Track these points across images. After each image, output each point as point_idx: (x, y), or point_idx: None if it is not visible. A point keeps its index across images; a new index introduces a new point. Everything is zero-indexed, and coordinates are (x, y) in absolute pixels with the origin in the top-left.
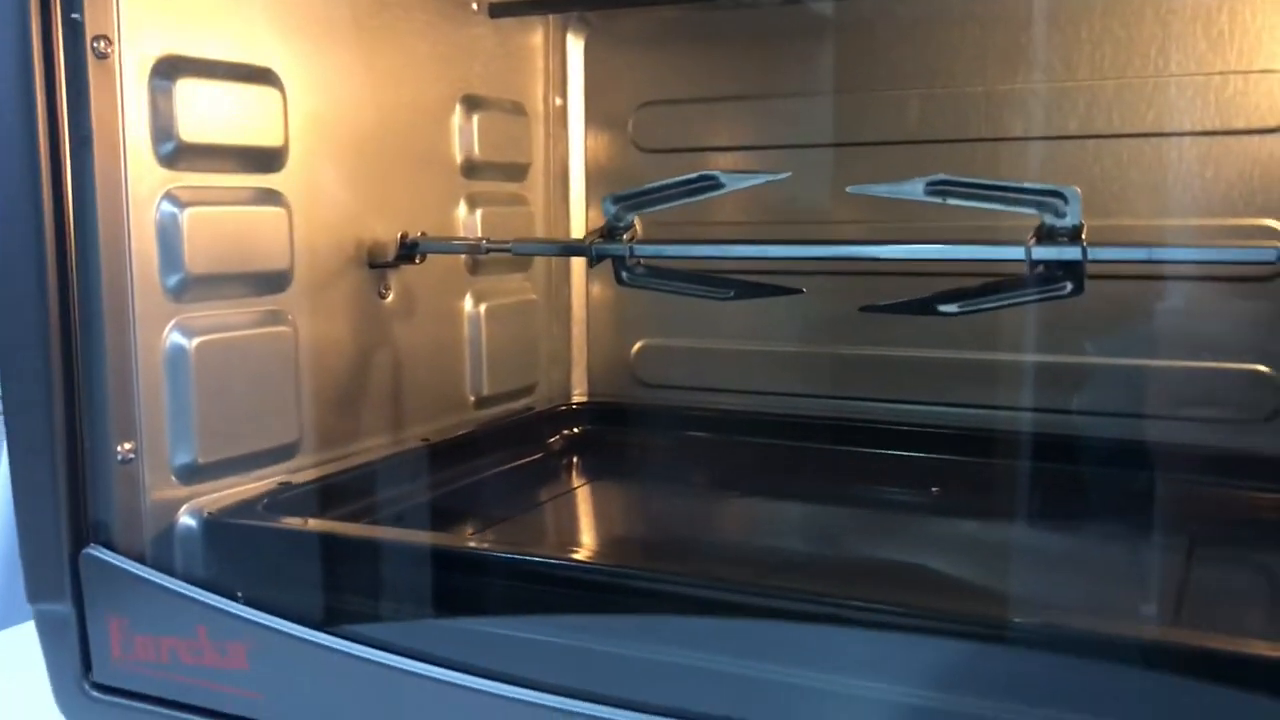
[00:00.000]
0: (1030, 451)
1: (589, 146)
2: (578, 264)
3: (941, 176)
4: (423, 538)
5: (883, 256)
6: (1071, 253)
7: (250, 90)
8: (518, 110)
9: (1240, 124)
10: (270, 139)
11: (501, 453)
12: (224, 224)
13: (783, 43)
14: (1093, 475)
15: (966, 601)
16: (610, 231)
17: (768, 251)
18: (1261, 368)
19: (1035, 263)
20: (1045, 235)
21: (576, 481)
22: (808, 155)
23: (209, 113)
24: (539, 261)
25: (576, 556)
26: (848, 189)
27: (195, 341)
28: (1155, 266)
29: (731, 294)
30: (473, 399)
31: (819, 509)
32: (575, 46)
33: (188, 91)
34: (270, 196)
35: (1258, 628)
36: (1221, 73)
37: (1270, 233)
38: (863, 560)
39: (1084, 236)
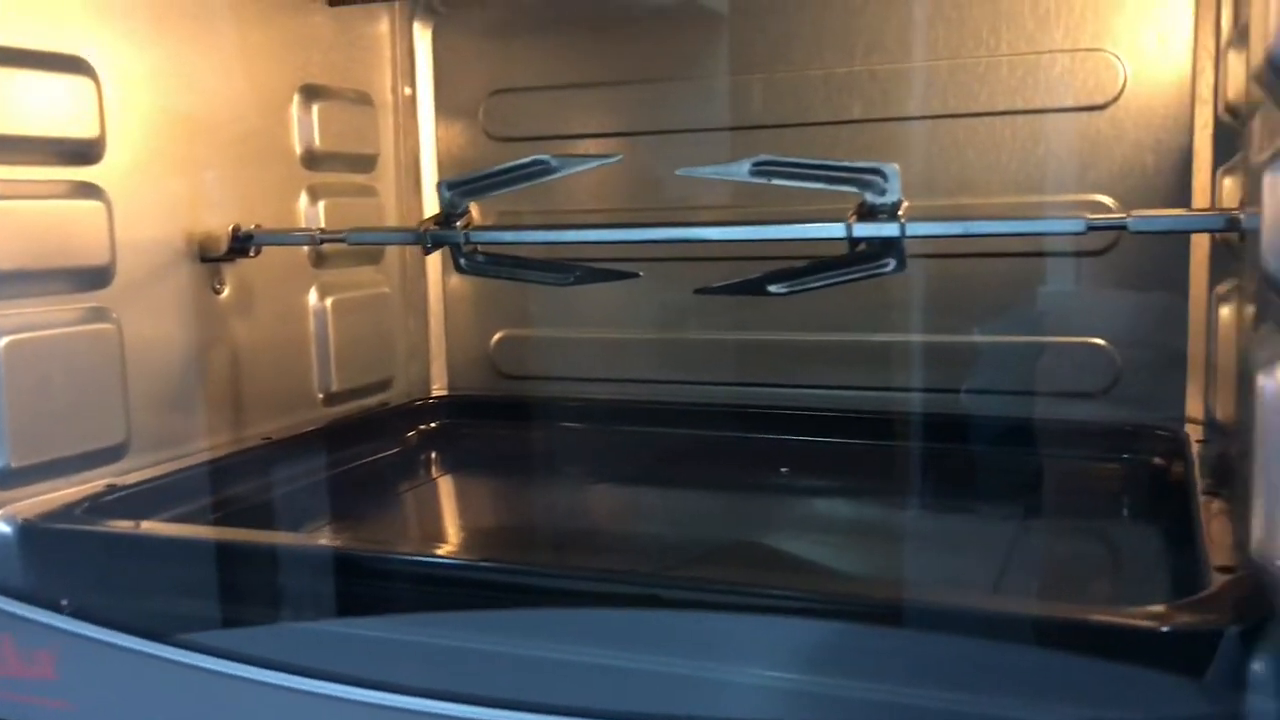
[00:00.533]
0: (875, 430)
1: (440, 136)
2: (433, 254)
3: (765, 157)
4: (246, 536)
5: (708, 239)
6: (890, 229)
7: (60, 80)
8: (363, 100)
9: (1069, 101)
10: (84, 130)
11: (353, 449)
12: (34, 218)
13: (628, 30)
14: (937, 451)
15: (792, 578)
16: (447, 219)
17: (598, 236)
18: (1099, 340)
19: (857, 240)
20: (867, 213)
21: (430, 475)
22: (658, 140)
23: (13, 103)
24: (392, 254)
25: (405, 549)
26: (677, 171)
27: (5, 340)
28: (994, 244)
29: (571, 279)
30: (321, 396)
31: (671, 493)
32: (423, 35)
33: None
34: (87, 190)
35: (1067, 591)
36: (1050, 51)
37: (1102, 207)
38: (699, 541)
39: (902, 213)
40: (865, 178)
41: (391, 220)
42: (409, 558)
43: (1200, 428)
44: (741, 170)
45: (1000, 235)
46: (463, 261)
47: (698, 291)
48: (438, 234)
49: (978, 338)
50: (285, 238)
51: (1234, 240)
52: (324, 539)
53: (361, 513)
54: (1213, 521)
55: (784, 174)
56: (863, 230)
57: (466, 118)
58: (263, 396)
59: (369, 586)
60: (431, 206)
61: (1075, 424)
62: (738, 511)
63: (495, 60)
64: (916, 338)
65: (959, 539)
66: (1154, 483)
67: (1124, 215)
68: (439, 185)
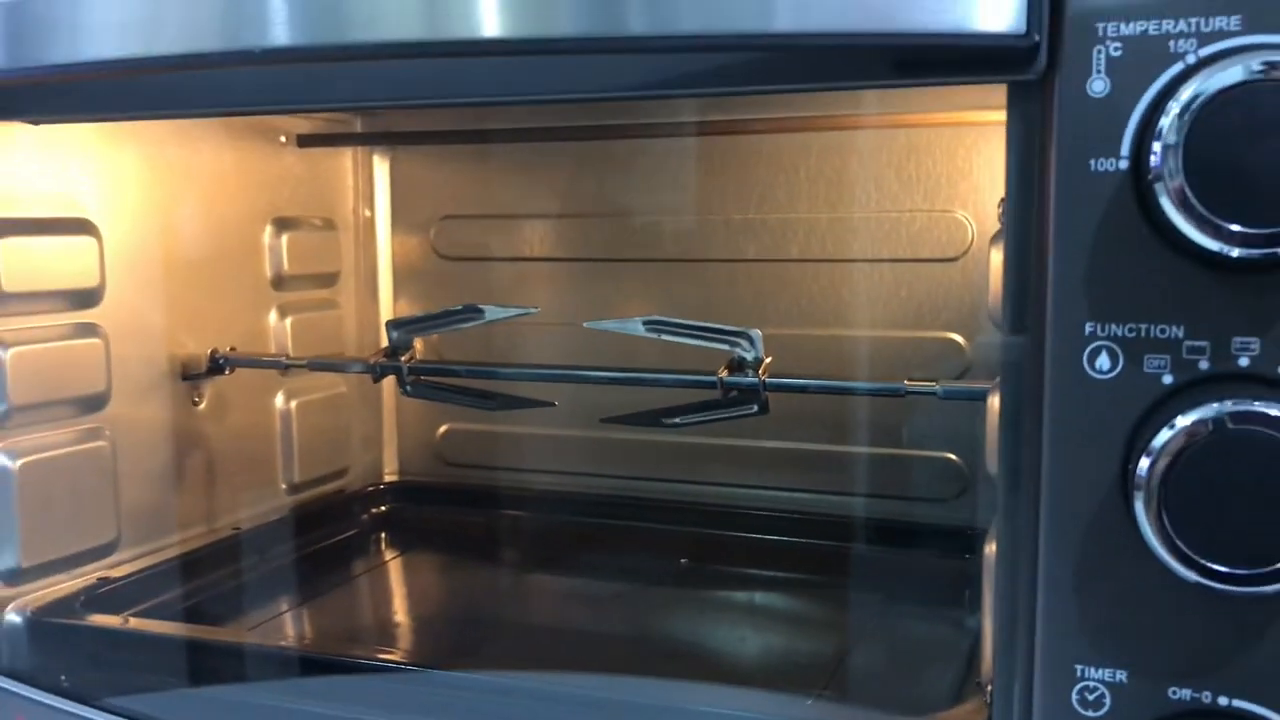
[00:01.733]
0: (765, 525)
1: (395, 253)
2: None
3: (656, 317)
4: (194, 631)
5: (600, 381)
6: (751, 381)
7: (71, 241)
8: (328, 225)
9: (926, 253)
10: (89, 280)
11: (311, 534)
12: (46, 358)
13: (553, 171)
14: (814, 546)
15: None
16: (394, 351)
17: (507, 374)
18: (950, 455)
19: (728, 387)
20: (736, 366)
21: (380, 557)
22: (589, 267)
23: (36, 263)
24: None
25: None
26: (584, 324)
27: (19, 463)
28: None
29: (494, 405)
30: (285, 486)
31: (577, 579)
32: (381, 166)
33: (11, 247)
34: (88, 329)
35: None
36: (911, 210)
37: (952, 343)
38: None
39: (762, 370)
40: (735, 339)
41: (351, 327)
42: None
43: None
44: (637, 327)
45: (838, 392)
46: (408, 387)
47: (603, 420)
48: (384, 366)
49: (850, 448)
50: (254, 361)
51: None
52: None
53: (314, 595)
54: None
55: (671, 331)
56: (730, 381)
57: (419, 237)
58: (233, 490)
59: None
60: (387, 313)
61: (929, 525)
62: (626, 597)
63: (443, 190)
64: (791, 445)
65: (820, 623)
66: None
67: (934, 384)
68: (386, 325)
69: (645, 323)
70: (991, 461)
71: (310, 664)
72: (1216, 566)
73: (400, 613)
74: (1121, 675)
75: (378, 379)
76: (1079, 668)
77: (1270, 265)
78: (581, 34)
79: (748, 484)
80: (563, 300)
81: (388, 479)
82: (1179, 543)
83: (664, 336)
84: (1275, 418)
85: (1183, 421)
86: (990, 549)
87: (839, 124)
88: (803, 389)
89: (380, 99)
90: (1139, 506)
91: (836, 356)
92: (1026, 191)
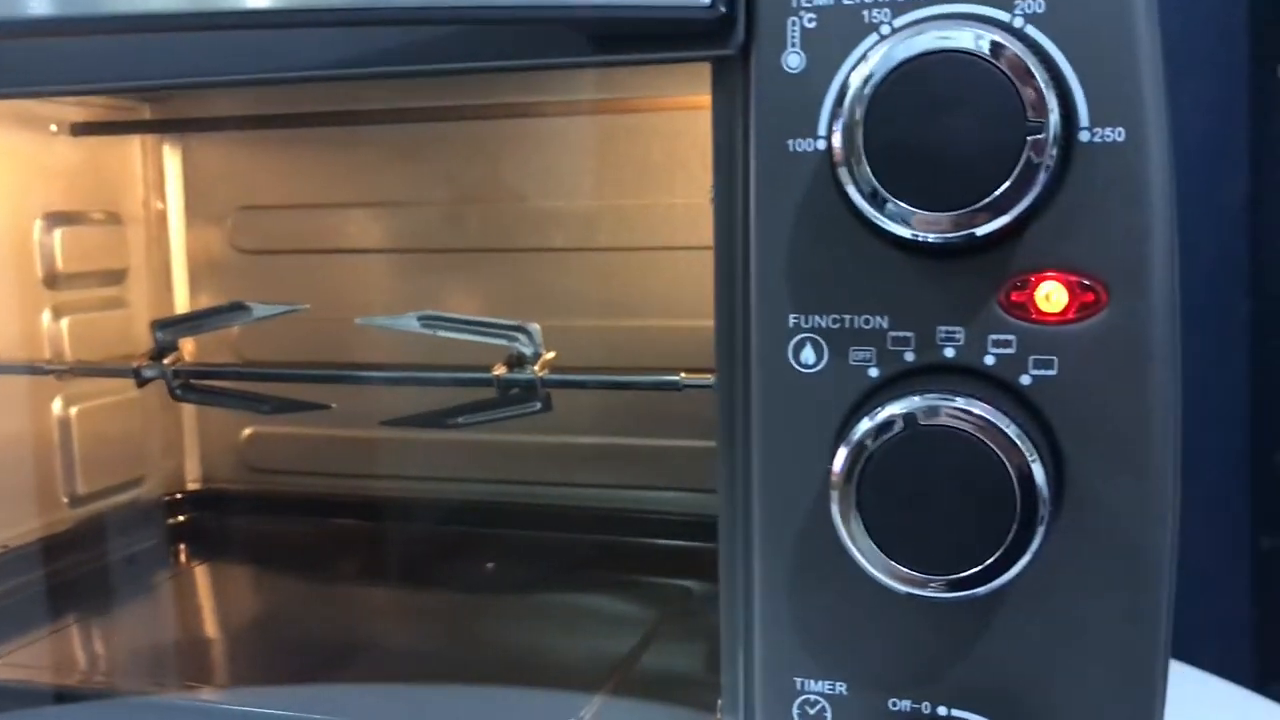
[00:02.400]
0: (574, 524)
1: (191, 247)
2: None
3: (431, 312)
4: None
5: (373, 381)
6: (528, 378)
7: None
8: (112, 219)
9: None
10: None
11: (96, 549)
12: None
13: (357, 158)
14: (612, 542)
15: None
16: (160, 354)
17: (274, 374)
18: None
19: (505, 385)
20: (515, 362)
21: (174, 571)
22: (399, 260)
23: None
24: None
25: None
26: (356, 321)
27: None
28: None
29: (267, 409)
30: (67, 499)
31: (386, 589)
32: (173, 154)
33: None
34: None
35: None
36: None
37: None
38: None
39: (539, 366)
40: (513, 334)
41: (144, 327)
42: None
43: None
44: (411, 323)
45: (614, 386)
46: (178, 391)
47: (383, 423)
48: (146, 369)
49: (665, 441)
50: (10, 368)
51: None
52: None
53: (83, 615)
54: None
55: (447, 327)
56: (508, 378)
57: (215, 230)
58: (3, 506)
59: None
60: (185, 310)
61: None
62: (432, 605)
63: (240, 179)
64: (611, 440)
65: (625, 621)
66: None
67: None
68: (152, 325)
69: (420, 318)
70: None
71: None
72: (915, 572)
73: (176, 630)
74: (841, 687)
75: (141, 384)
76: (799, 680)
77: (969, 249)
78: (266, 6)
79: (562, 481)
80: (376, 294)
81: (189, 487)
82: (876, 546)
83: (440, 333)
84: (971, 413)
85: (877, 417)
86: None
87: (636, 106)
88: (580, 384)
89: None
90: (834, 508)
91: (649, 348)
92: (731, 176)
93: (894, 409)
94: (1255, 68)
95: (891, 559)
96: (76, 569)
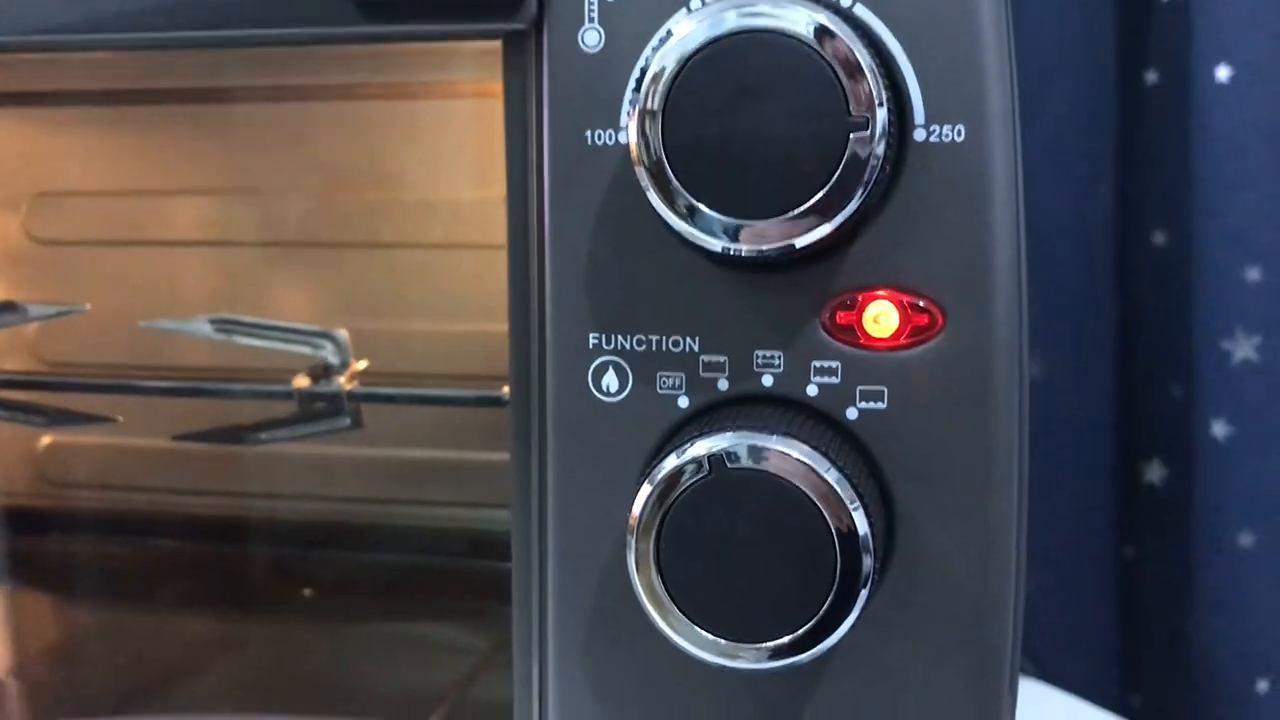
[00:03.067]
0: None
1: None
2: None
3: (225, 316)
4: None
5: (158, 393)
6: (332, 391)
7: None
8: None
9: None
10: None
11: None
12: None
13: (171, 140)
14: (462, 566)
15: None
16: None
17: (50, 383)
18: None
19: (307, 399)
20: (322, 373)
21: None
22: (222, 255)
23: None
24: None
25: None
26: (139, 324)
27: None
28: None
29: (41, 421)
30: None
31: (195, 619)
32: None
33: None
34: None
35: None
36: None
37: None
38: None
39: (345, 377)
40: (318, 341)
41: None
42: None
43: None
44: (205, 328)
45: (433, 403)
46: None
47: (176, 438)
48: None
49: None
50: None
51: None
52: None
53: None
54: None
55: (245, 332)
56: (308, 391)
57: (9, 216)
58: None
59: None
60: None
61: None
62: (248, 634)
63: (40, 161)
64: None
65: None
66: None
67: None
68: None
69: (213, 322)
70: None
71: None
72: (723, 640)
73: None
74: None
75: None
76: None
77: (787, 263)
78: None
79: (389, 499)
80: (193, 292)
81: None
82: (678, 609)
83: (236, 339)
84: (785, 454)
85: (683, 455)
86: None
87: (476, 90)
88: (388, 399)
89: None
90: (630, 560)
91: (488, 355)
92: (524, 170)
93: (700, 447)
94: (1123, 70)
95: (696, 624)
96: None
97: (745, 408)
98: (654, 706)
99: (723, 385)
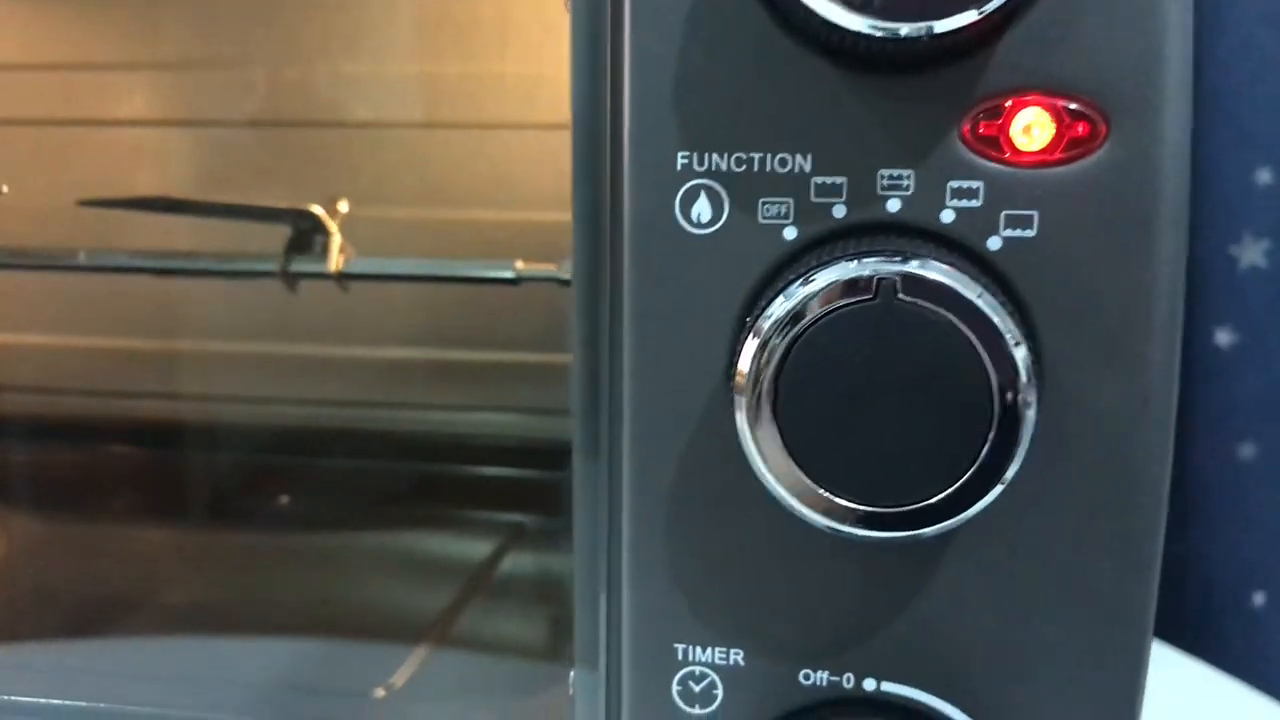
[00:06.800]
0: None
1: None
2: None
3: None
4: None
5: (116, 269)
6: (320, 272)
7: None
8: None
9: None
10: None
11: None
12: None
13: (118, 6)
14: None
15: None
16: None
17: None
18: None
19: (294, 278)
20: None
21: None
22: (159, 135)
23: None
24: None
25: None
26: (78, 201)
27: None
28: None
29: None
30: None
31: (160, 532)
32: None
33: None
34: None
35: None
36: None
37: None
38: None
39: (339, 255)
40: (295, 220)
41: None
42: None
43: None
44: (150, 204)
45: (430, 279)
46: None
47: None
48: None
49: (495, 355)
50: None
51: None
52: None
53: None
54: None
55: (195, 210)
56: (297, 267)
57: None
58: None
59: None
60: None
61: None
62: (205, 551)
63: None
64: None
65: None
66: None
67: (555, 267)
68: None
69: (161, 200)
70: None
71: None
72: (850, 503)
73: None
74: (737, 656)
75: None
76: (680, 648)
77: (923, 59)
78: None
79: (369, 401)
80: (146, 176)
81: None
82: (798, 469)
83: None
84: (931, 283)
85: (797, 294)
86: None
87: None
88: (390, 277)
89: None
90: (740, 419)
91: (475, 243)
92: None
93: (821, 280)
94: None
95: (819, 485)
96: None
97: (866, 238)
98: (752, 592)
99: (838, 212)
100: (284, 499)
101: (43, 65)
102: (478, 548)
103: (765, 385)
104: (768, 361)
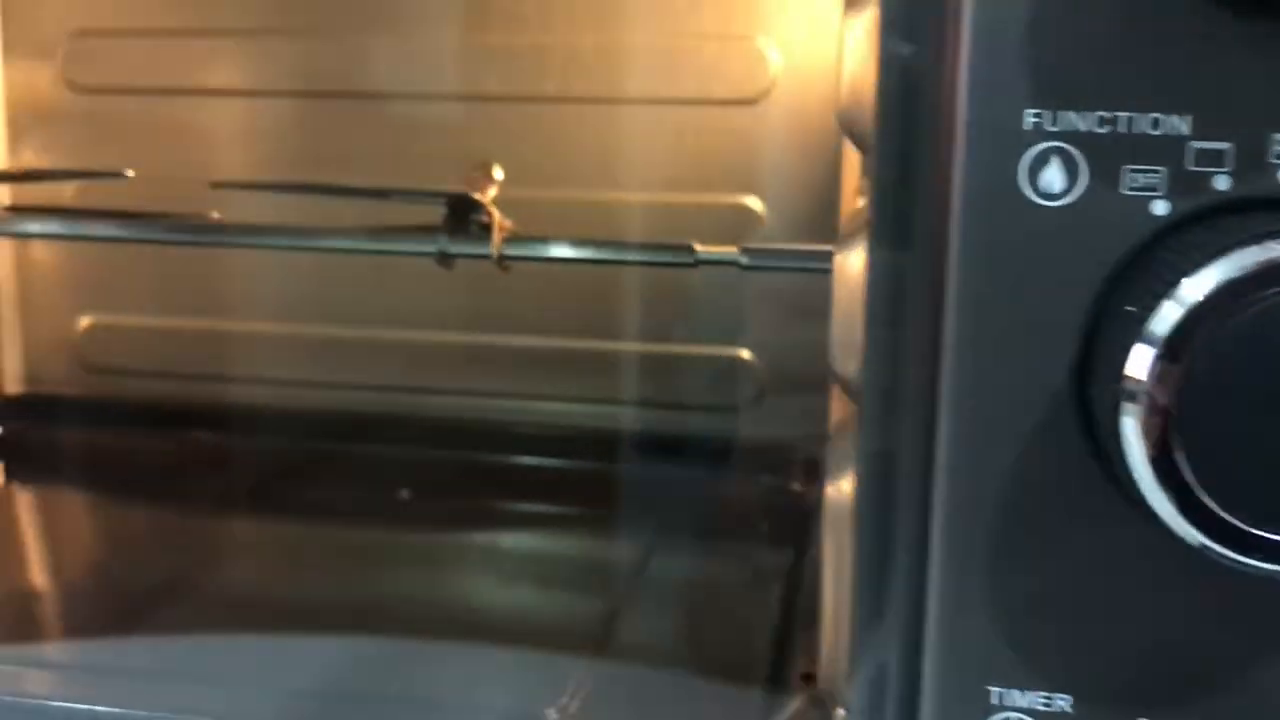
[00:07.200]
0: (504, 443)
1: (9, 82)
2: None
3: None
4: None
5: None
6: (480, 253)
7: None
8: None
9: (717, 93)
10: None
11: None
12: None
13: None
14: (558, 467)
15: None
16: None
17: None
18: (744, 354)
19: (449, 258)
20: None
21: None
22: (283, 106)
23: None
24: None
25: None
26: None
27: None
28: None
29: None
30: None
31: (268, 522)
32: None
33: None
34: None
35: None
36: (699, 36)
37: (746, 212)
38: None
39: (499, 233)
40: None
41: None
42: None
43: None
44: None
45: (599, 262)
46: None
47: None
48: None
49: (611, 344)
50: None
51: None
52: None
53: None
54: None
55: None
56: (456, 249)
57: (42, 60)
58: None
59: None
60: (3, 165)
61: (715, 440)
62: (329, 542)
63: None
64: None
65: (578, 566)
66: (790, 509)
67: (736, 250)
68: None
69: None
70: (842, 356)
71: None
72: (1263, 531)
73: (17, 573)
74: (1063, 702)
75: None
76: (996, 691)
77: None
78: None
79: (488, 392)
80: (256, 150)
81: (8, 390)
82: (1197, 489)
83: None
84: None
85: (1209, 280)
86: (835, 490)
87: None
88: (559, 259)
89: None
90: (1127, 427)
91: (598, 226)
92: None
93: (1232, 265)
94: None
95: (1226, 509)
96: None
97: (1255, 215)
98: (1096, 627)
99: (1220, 184)
100: (405, 492)
101: (154, 31)
102: (618, 549)
103: (1168, 390)
104: (1172, 362)
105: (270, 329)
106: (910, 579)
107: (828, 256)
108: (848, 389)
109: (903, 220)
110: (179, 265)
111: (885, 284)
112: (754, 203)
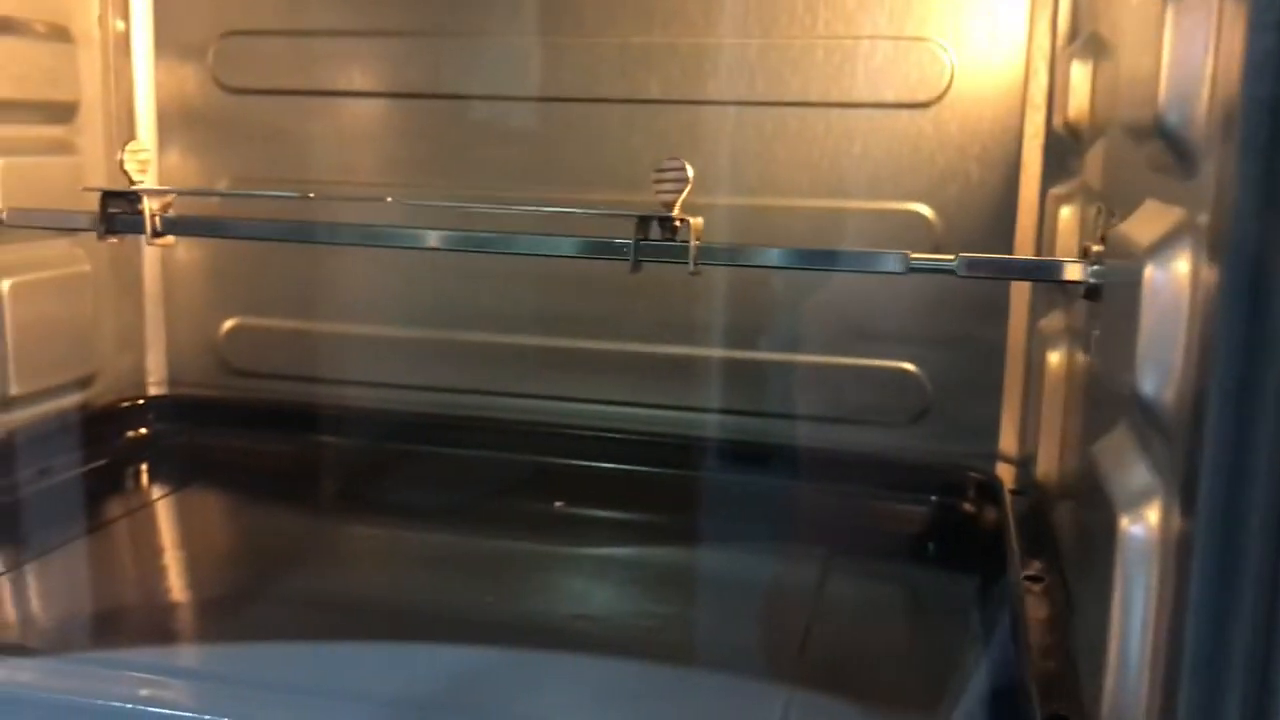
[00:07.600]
0: (661, 457)
1: (161, 82)
2: None
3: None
4: None
5: (443, 248)
6: (677, 243)
7: None
8: (58, 35)
9: (889, 97)
10: None
11: (35, 467)
12: None
13: None
14: (727, 481)
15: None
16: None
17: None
18: (909, 366)
19: (643, 251)
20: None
21: (139, 499)
22: (424, 108)
23: None
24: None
25: None
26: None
27: None
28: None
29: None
30: None
31: (412, 531)
32: None
33: None
34: None
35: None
36: (871, 37)
37: (917, 218)
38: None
39: (695, 235)
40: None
41: (100, 181)
42: None
43: (1011, 467)
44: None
45: (806, 269)
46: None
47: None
48: (126, 219)
49: (776, 355)
50: None
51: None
52: None
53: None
54: (1039, 625)
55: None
56: (648, 254)
57: (194, 61)
58: None
59: None
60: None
61: (880, 457)
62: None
63: None
64: (714, 352)
65: (756, 585)
66: (964, 532)
67: (951, 259)
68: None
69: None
70: (1146, 375)
71: None
72: None
73: (153, 577)
74: None
75: (106, 235)
76: None
77: None
78: None
79: (639, 402)
80: (398, 153)
81: (152, 392)
82: None
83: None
84: None
85: None
86: (1130, 526)
87: None
88: (759, 265)
89: None
90: None
91: (763, 233)
92: None
93: None
94: None
95: None
96: (4, 493)
97: None
98: None
99: None
100: (558, 503)
101: (304, 32)
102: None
103: None
104: None
105: (396, 333)
106: (1257, 616)
107: (1052, 267)
108: (1148, 411)
109: (1271, 234)
110: (310, 271)
111: (1238, 285)
112: (924, 209)
